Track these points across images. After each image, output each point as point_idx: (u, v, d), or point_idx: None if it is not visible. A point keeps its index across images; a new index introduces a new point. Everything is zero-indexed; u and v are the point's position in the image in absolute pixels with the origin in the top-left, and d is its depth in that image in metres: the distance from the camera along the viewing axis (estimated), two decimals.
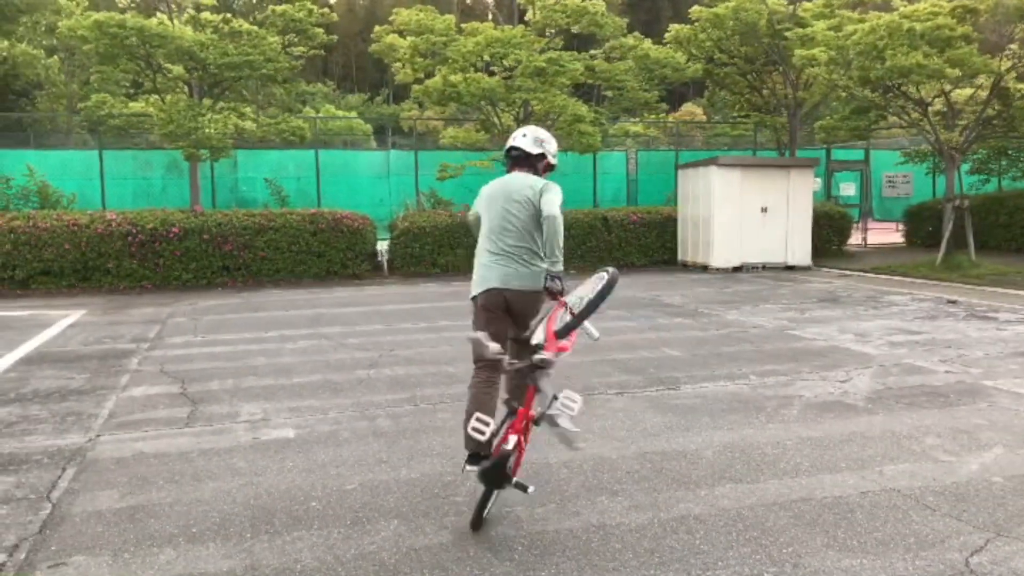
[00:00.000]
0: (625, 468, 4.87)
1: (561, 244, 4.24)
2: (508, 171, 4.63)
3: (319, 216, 15.65)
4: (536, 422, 4.01)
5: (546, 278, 4.28)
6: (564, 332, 3.99)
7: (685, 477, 4.73)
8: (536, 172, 4.53)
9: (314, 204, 19.37)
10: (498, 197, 4.46)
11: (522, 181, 4.44)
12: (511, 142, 4.59)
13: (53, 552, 3.87)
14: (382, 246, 16.74)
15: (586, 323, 3.96)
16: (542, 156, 4.54)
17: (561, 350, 4.02)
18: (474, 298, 4.49)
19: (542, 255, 4.35)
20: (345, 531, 4.06)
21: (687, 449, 5.22)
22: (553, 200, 4.27)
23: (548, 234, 4.22)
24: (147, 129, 19.97)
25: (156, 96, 17.57)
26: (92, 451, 5.37)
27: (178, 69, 17.04)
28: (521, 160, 4.53)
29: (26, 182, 17.38)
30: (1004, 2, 14.21)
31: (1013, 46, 15.53)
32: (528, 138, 4.55)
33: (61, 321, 10.94)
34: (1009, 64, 15.16)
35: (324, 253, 15.52)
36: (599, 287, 3.97)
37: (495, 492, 4.07)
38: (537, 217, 4.32)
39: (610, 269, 4.07)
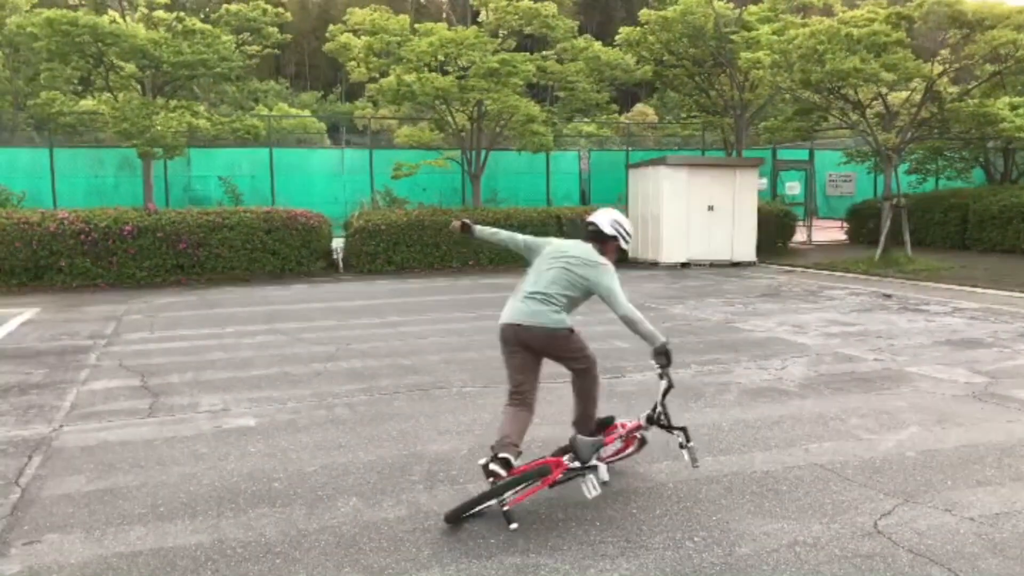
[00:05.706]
0: None
1: (645, 329, 4.36)
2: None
3: (273, 214, 15.74)
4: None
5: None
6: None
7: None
8: (603, 250, 4.64)
9: (268, 202, 19.39)
10: (561, 257, 4.59)
11: (590, 253, 4.59)
12: (591, 217, 4.75)
13: (26, 531, 4.06)
14: (337, 244, 16.88)
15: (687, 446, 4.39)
16: (614, 238, 4.69)
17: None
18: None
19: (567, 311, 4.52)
20: (307, 508, 4.32)
21: None
22: (613, 288, 4.42)
23: (632, 330, 4.39)
24: (98, 127, 19.76)
25: (108, 94, 17.48)
26: (56, 440, 5.54)
27: (131, 67, 16.99)
28: (595, 236, 4.67)
29: None
30: (936, 10, 14.87)
31: (944, 52, 16.25)
32: (607, 220, 4.68)
33: (14, 319, 10.93)
34: (941, 69, 15.85)
35: (279, 251, 15.61)
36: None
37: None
38: (585, 288, 4.49)
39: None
